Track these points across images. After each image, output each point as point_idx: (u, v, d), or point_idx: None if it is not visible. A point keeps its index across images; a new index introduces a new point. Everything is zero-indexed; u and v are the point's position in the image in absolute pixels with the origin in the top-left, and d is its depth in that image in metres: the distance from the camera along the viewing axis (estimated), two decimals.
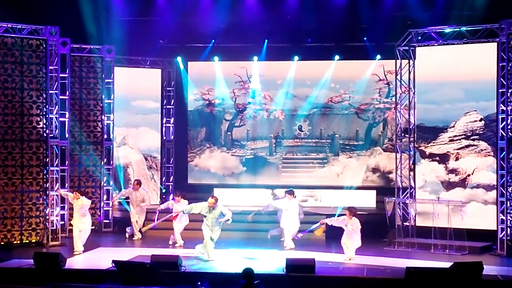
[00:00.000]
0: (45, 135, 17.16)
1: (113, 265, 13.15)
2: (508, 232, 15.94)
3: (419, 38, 17.77)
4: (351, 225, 15.25)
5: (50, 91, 17.25)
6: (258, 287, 10.24)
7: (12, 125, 16.88)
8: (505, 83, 16.14)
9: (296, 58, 21.66)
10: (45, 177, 17.13)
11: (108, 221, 19.58)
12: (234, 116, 22.59)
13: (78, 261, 15.09)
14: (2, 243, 16.60)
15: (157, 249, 15.83)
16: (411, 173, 18.00)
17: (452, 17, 18.83)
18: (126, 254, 15.40)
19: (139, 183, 18.82)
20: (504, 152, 16.10)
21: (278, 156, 22.32)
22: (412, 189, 17.89)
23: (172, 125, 22.44)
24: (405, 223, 17.55)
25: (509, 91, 16.08)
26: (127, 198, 18.93)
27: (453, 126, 17.58)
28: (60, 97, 17.66)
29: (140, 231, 18.29)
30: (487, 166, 17.12)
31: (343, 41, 21.13)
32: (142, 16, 20.85)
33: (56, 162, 17.48)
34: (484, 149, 17.18)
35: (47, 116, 17.17)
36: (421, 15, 19.21)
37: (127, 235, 18.51)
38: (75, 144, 19.20)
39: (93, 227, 18.04)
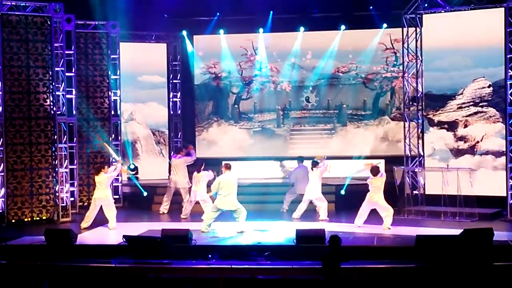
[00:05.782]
0: (52, 112, 17.14)
1: (124, 240, 13.22)
2: None
3: (426, 5, 17.59)
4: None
5: (56, 68, 17.20)
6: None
7: (20, 103, 16.85)
8: None
9: (302, 29, 21.55)
10: (53, 154, 17.16)
11: (118, 196, 19.61)
12: (241, 89, 22.51)
13: (89, 237, 15.16)
14: (13, 220, 16.68)
15: (167, 223, 15.88)
16: (420, 141, 17.95)
17: None
18: (136, 229, 15.45)
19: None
20: None
21: (285, 128, 22.28)
22: (421, 157, 17.84)
23: (179, 99, 22.44)
24: (414, 192, 17.56)
25: None
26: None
27: (461, 93, 17.47)
28: (66, 74, 17.65)
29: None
30: (495, 133, 17.04)
31: (349, 11, 21.00)
32: None
33: (64, 139, 17.49)
34: (493, 116, 17.08)
35: (54, 93, 17.13)
36: None
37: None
38: (83, 120, 19.19)
39: None
